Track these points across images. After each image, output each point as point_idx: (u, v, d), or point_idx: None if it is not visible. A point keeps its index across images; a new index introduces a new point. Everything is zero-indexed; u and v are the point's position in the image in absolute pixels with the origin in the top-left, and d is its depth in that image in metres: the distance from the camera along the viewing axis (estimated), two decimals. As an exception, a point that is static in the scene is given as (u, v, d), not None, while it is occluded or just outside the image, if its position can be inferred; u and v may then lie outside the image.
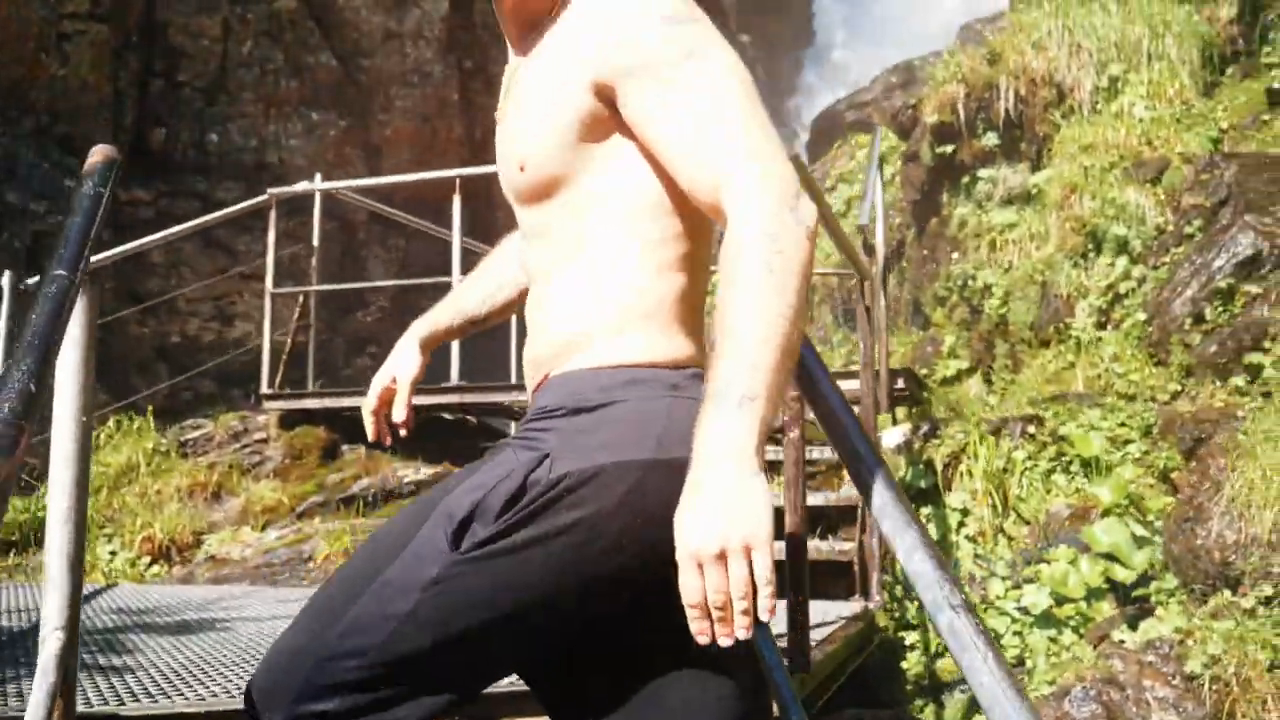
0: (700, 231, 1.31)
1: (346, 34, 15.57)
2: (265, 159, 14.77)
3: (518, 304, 1.62)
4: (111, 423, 6.45)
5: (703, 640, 1.02)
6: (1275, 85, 6.70)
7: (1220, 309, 5.60)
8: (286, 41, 14.95)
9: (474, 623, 1.14)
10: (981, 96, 7.21)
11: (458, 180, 6.21)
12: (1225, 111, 6.90)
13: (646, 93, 1.20)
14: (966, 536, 4.51)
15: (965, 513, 4.57)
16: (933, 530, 4.45)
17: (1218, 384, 5.42)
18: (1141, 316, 5.99)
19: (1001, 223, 6.97)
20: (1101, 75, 7.18)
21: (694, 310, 1.31)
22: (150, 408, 6.52)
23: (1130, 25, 7.32)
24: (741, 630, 1.00)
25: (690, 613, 1.02)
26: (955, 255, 7.28)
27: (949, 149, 7.37)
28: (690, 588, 1.01)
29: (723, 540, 0.99)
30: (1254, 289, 5.56)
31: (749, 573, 0.99)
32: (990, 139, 7.27)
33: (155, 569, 5.64)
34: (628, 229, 1.27)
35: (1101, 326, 6.24)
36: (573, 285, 1.29)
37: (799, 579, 2.44)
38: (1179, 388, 5.60)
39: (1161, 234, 6.22)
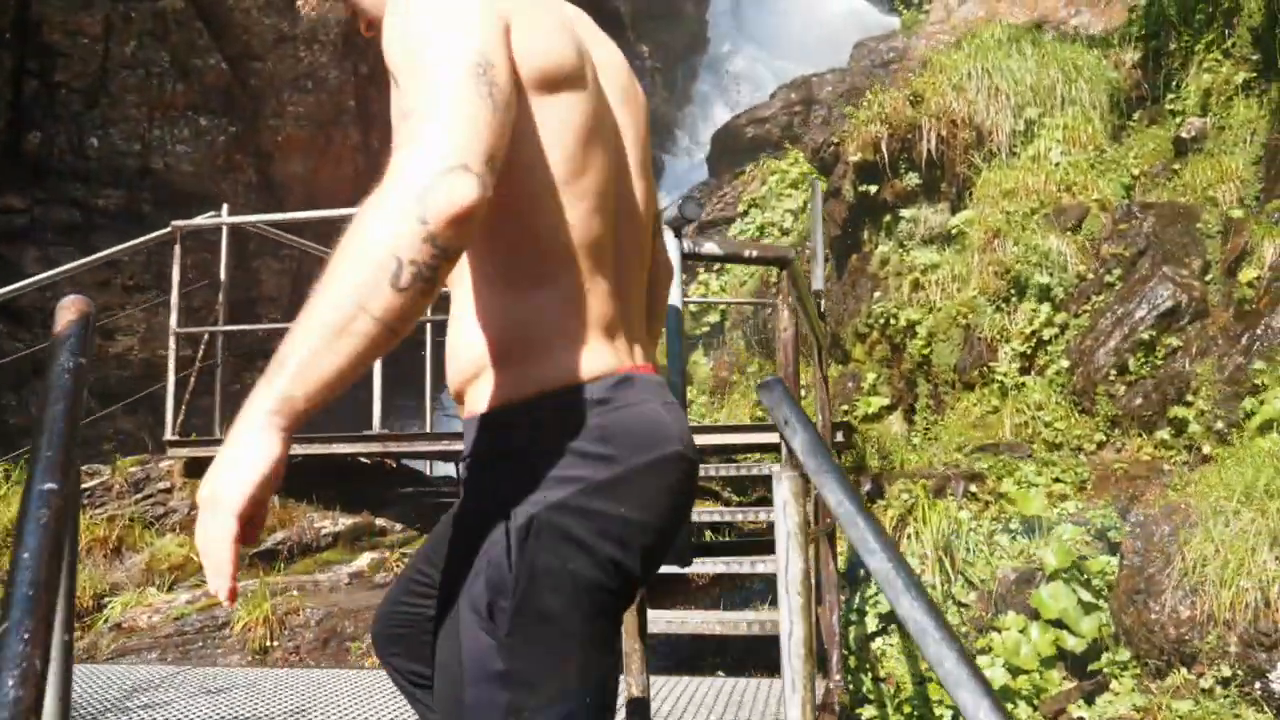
0: (584, 233, 1.25)
1: (236, 36, 14.92)
2: (149, 164, 14.07)
3: None
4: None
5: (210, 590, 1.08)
6: (1183, 135, 6.87)
7: (1143, 360, 5.70)
8: (172, 42, 14.23)
9: (559, 670, 1.18)
10: (904, 137, 7.22)
11: (379, 218, 5.90)
12: (1136, 158, 7.05)
13: (395, 70, 1.15)
14: (918, 604, 4.46)
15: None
16: (887, 602, 4.38)
17: (1143, 436, 5.52)
18: (1065, 364, 6.06)
19: (924, 263, 6.99)
20: (1019, 118, 7.27)
21: (608, 312, 1.28)
22: (42, 457, 6.02)
23: (1045, 69, 7.43)
24: (218, 592, 1.04)
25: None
26: (877, 294, 7.28)
27: (871, 187, 7.38)
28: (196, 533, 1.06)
29: (204, 494, 1.03)
30: (1174, 341, 5.67)
31: (212, 532, 1.02)
32: (912, 179, 7.29)
33: (52, 636, 5.21)
34: (486, 240, 1.22)
35: (1025, 372, 6.30)
36: (465, 305, 1.27)
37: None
38: (1104, 438, 5.68)
39: (1082, 281, 6.31)
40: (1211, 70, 6.98)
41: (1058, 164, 6.97)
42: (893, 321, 7.08)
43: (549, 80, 1.20)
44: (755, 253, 2.47)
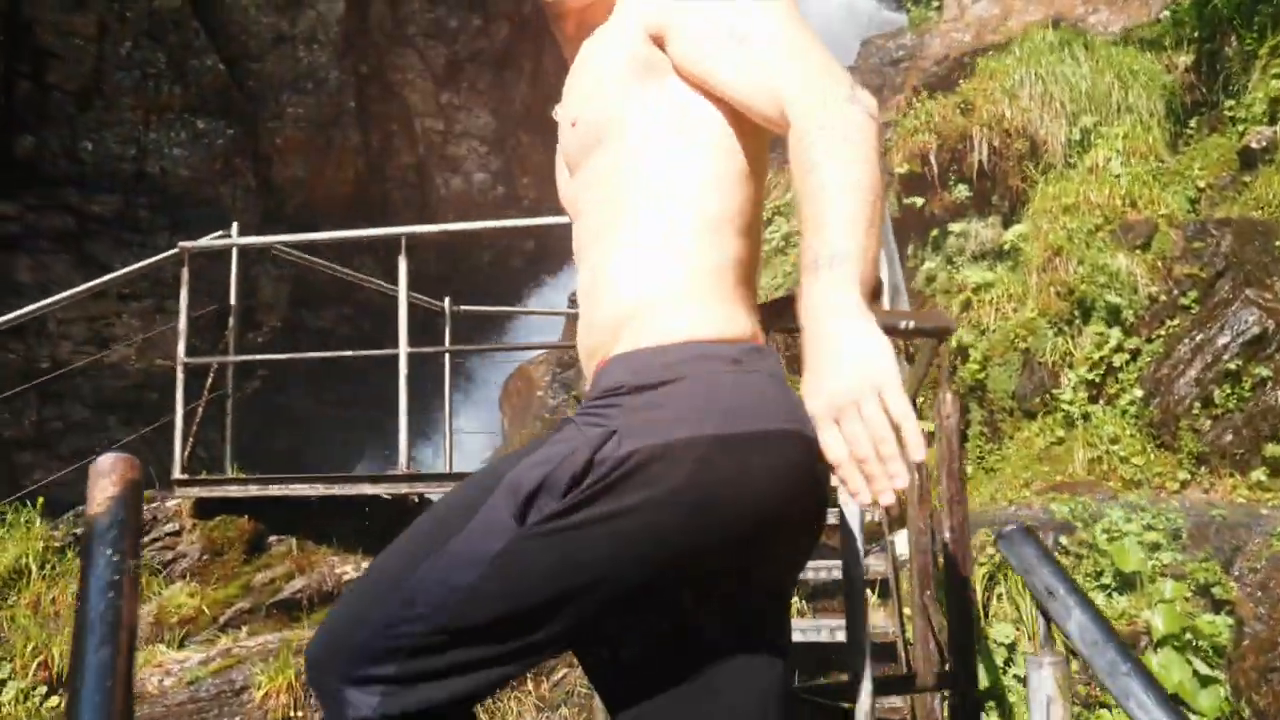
0: (750, 202, 1.31)
1: (234, 36, 14.39)
2: (145, 169, 13.54)
3: None
4: (-8, 515, 5.44)
5: (863, 499, 0.99)
6: (1252, 145, 6.44)
7: (1229, 392, 5.26)
8: (169, 43, 13.70)
9: (537, 597, 1.11)
10: (954, 147, 6.77)
11: (403, 240, 5.43)
12: (1201, 169, 6.61)
13: (698, 23, 1.25)
14: (1016, 677, 4.03)
15: (1011, 647, 4.09)
16: (982, 676, 3.95)
17: (1235, 476, 5.08)
18: (1139, 393, 5.62)
19: (977, 281, 6.54)
20: (1074, 127, 6.83)
21: (748, 282, 1.30)
22: (41, 499, 5.51)
23: (1100, 75, 6.99)
24: (898, 478, 0.97)
25: (842, 474, 1.00)
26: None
27: (918, 200, 6.92)
28: (833, 446, 1.00)
29: (851, 390, 0.99)
30: (1263, 371, 5.23)
31: (885, 415, 0.98)
32: (962, 191, 6.84)
33: (55, 700, 4.73)
34: (680, 179, 1.27)
35: (1093, 400, 5.86)
36: (627, 251, 1.27)
37: None
38: (1189, 476, 5.25)
39: (1154, 303, 5.87)
40: (1281, 76, 6.55)
41: (1118, 176, 6.53)
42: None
43: None
44: (912, 324, 2.03)
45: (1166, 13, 10.81)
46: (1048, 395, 6.00)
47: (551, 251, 16.61)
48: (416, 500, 6.18)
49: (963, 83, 7.04)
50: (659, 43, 1.29)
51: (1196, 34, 7.49)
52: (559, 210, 1.50)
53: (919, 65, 14.69)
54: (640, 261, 1.26)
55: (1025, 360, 6.19)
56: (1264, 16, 6.88)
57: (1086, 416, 5.78)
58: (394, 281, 9.94)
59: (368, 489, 5.28)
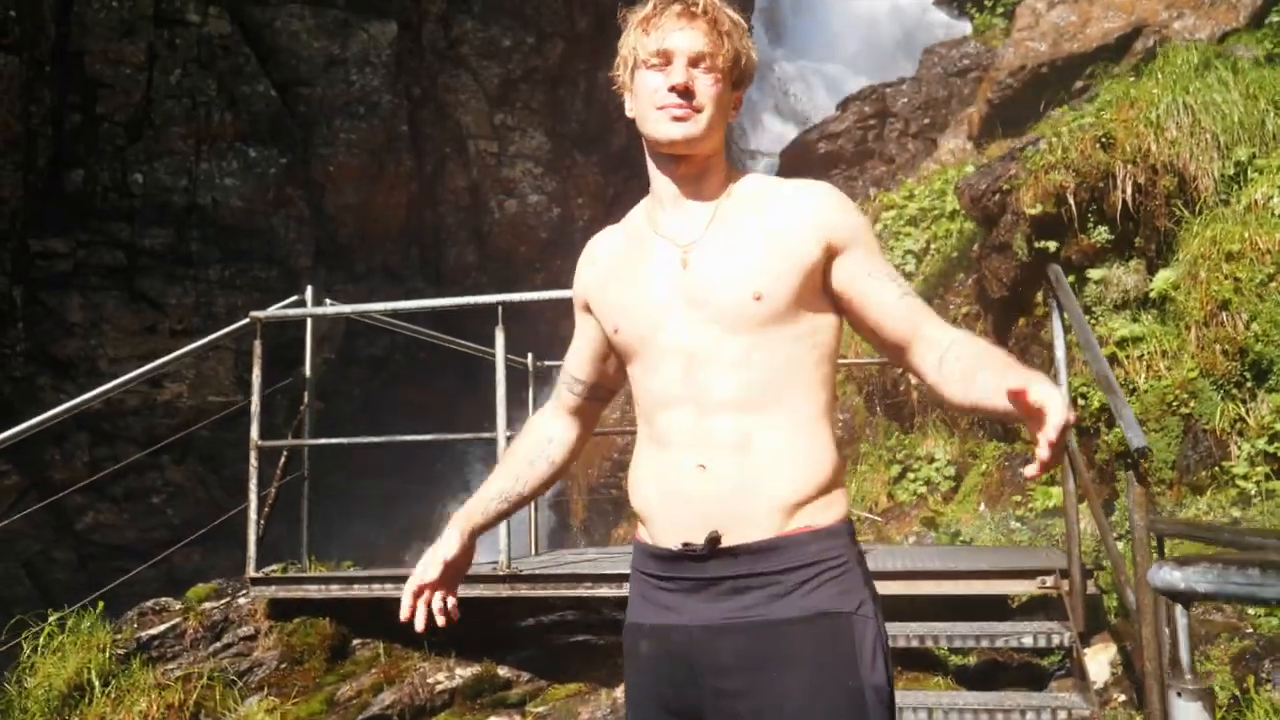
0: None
1: (285, 61, 13.89)
2: (197, 200, 13.06)
3: (551, 479, 1.83)
4: (53, 620, 4.87)
5: (1043, 452, 1.28)
6: None
7: None
8: (219, 69, 13.22)
9: None
10: (1094, 186, 6.06)
11: (500, 308, 4.84)
12: (1378, 209, 5.86)
13: (865, 259, 1.61)
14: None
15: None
16: None
17: None
18: (1333, 471, 4.91)
19: (1124, 334, 5.84)
20: (1227, 161, 6.10)
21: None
22: (101, 604, 4.93)
23: (1252, 102, 6.25)
24: (1055, 456, 1.27)
25: (1049, 425, 1.28)
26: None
27: (1051, 244, 6.22)
28: (1056, 402, 1.29)
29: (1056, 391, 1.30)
30: None
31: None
32: (1102, 234, 6.13)
33: (121, 845, 4.17)
34: (820, 372, 1.60)
35: (1275, 476, 5.15)
36: (782, 434, 1.56)
37: None
38: None
39: (1345, 368, 5.15)
40: None
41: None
42: (1082, 403, 5.94)
43: None
44: None
45: (1276, 17, 9.99)
46: (1217, 468, 5.30)
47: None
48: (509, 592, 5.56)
49: (1103, 113, 6.32)
50: (830, 253, 1.59)
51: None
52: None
53: (991, 77, 13.92)
54: (813, 446, 1.58)
55: (1187, 426, 5.49)
56: None
57: (1269, 494, 5.07)
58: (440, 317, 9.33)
59: (467, 591, 4.66)
